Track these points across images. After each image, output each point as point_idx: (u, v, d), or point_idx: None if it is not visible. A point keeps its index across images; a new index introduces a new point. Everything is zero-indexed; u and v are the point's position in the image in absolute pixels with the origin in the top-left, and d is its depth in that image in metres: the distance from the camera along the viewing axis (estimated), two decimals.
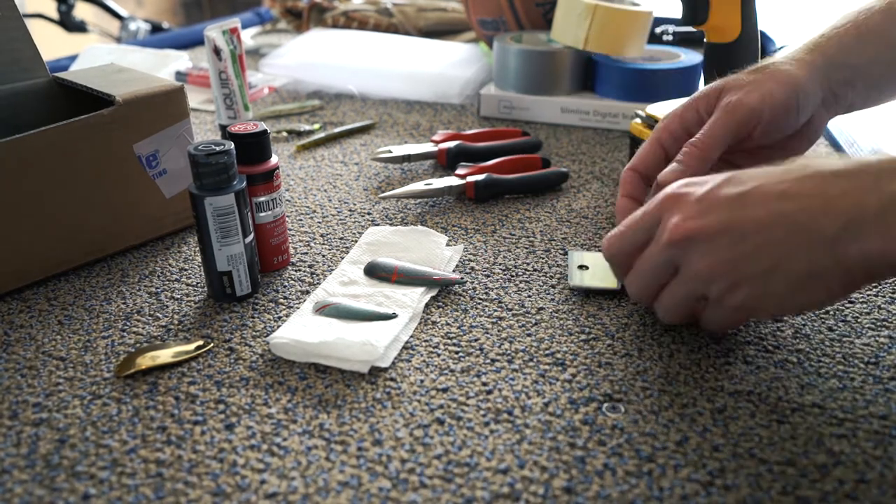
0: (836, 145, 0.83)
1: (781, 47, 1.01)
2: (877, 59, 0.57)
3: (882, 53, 0.57)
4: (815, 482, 0.40)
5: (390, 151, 0.79)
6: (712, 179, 0.44)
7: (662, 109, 0.74)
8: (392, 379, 0.49)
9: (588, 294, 0.57)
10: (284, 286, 0.59)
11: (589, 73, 0.95)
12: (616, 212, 0.57)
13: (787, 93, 0.53)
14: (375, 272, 0.58)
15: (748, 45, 0.73)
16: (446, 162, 0.80)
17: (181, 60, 1.13)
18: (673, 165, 0.53)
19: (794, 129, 0.55)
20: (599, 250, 0.59)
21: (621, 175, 0.58)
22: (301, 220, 0.70)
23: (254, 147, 0.57)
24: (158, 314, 0.56)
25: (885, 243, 0.38)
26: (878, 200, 0.38)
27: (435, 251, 0.61)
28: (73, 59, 1.16)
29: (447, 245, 0.64)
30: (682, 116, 0.56)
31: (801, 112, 0.54)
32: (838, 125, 0.87)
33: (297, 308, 0.56)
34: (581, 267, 0.59)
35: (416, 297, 0.56)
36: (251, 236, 0.56)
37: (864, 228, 0.38)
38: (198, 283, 0.60)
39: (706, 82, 0.75)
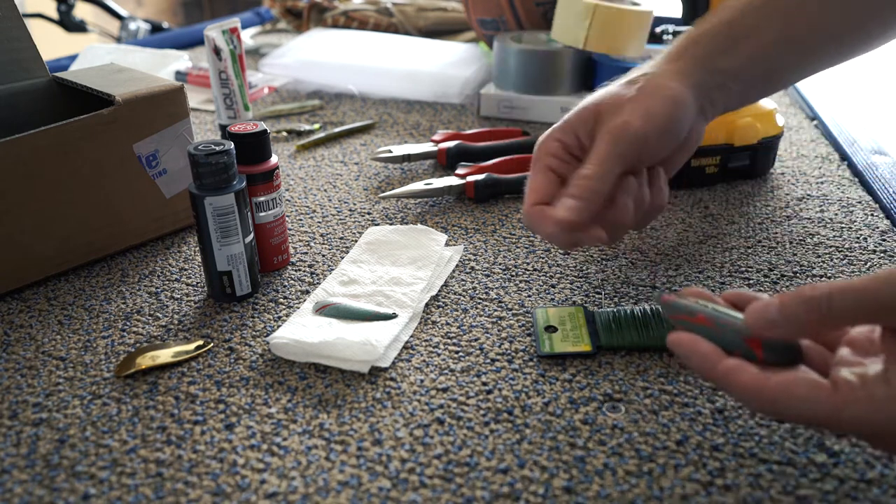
0: (836, 145, 0.83)
1: None
2: (750, 62, 0.54)
3: (755, 55, 0.54)
4: (815, 482, 0.40)
5: (390, 151, 0.79)
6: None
7: None
8: (392, 379, 0.49)
9: (559, 360, 0.50)
10: (284, 286, 0.59)
11: (589, 72, 0.95)
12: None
13: (669, 110, 0.51)
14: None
15: None
16: (446, 162, 0.80)
17: (181, 60, 1.12)
18: (570, 202, 0.49)
19: (678, 143, 0.53)
20: (564, 304, 0.56)
21: (526, 213, 0.52)
22: (301, 220, 0.70)
23: (254, 147, 0.57)
24: (158, 314, 0.56)
25: None
26: None
27: (434, 250, 0.61)
28: (72, 59, 1.16)
29: (447, 245, 0.64)
30: (562, 141, 0.53)
31: (682, 127, 0.52)
32: (838, 125, 0.87)
33: (297, 308, 0.56)
34: (548, 328, 0.52)
35: (415, 297, 0.56)
36: (251, 236, 0.56)
37: None
38: (198, 283, 0.60)
39: None
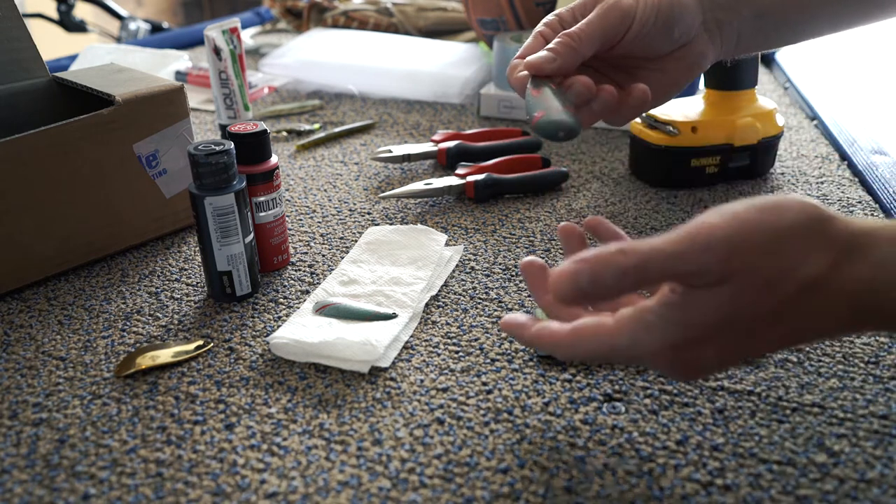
0: (836, 145, 0.83)
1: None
2: None
3: None
4: (815, 482, 0.40)
5: (390, 151, 0.79)
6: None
7: (663, 109, 0.74)
8: (392, 379, 0.49)
9: (558, 361, 0.50)
10: (284, 286, 0.59)
11: None
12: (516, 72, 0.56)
13: (663, 1, 0.53)
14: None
15: None
16: (446, 162, 0.80)
17: (181, 60, 1.13)
18: (543, 53, 0.53)
19: (670, 46, 0.54)
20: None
21: (510, 66, 0.56)
22: (301, 219, 0.70)
23: (254, 147, 0.57)
24: (158, 314, 0.56)
25: None
26: None
27: (434, 250, 0.61)
28: (72, 58, 1.16)
29: (447, 244, 0.64)
30: (561, 16, 0.57)
31: (676, 25, 0.53)
32: (838, 125, 0.87)
33: (297, 308, 0.56)
34: None
35: (415, 297, 0.56)
36: (251, 236, 0.56)
37: None
38: (198, 283, 0.60)
39: (706, 82, 0.75)
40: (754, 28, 0.56)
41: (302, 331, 0.51)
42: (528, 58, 0.53)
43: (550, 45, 0.53)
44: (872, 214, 0.68)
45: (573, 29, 0.54)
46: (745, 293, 0.36)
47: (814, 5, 0.57)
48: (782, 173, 0.77)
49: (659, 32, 0.53)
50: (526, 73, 0.53)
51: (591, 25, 0.53)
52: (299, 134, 0.91)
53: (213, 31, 0.83)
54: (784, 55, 1.15)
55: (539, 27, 0.57)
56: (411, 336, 0.53)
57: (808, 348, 0.50)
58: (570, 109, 0.48)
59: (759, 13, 0.55)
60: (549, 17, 0.58)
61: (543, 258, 0.62)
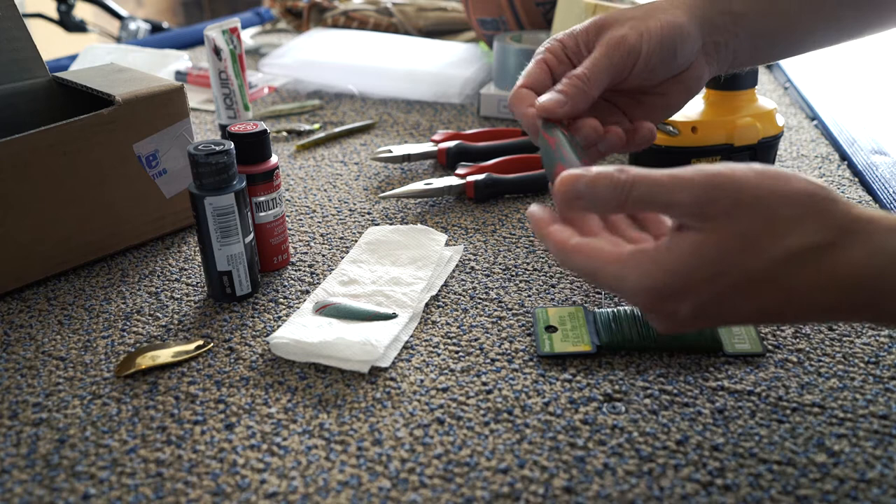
0: (836, 145, 0.83)
1: None
2: (761, 7, 0.55)
3: (768, 3, 0.55)
4: (815, 482, 0.40)
5: (390, 151, 0.79)
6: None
7: None
8: (392, 379, 0.49)
9: (559, 360, 0.50)
10: (284, 286, 0.59)
11: None
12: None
13: (666, 33, 0.53)
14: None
15: None
16: (446, 162, 0.80)
17: (181, 60, 1.13)
18: (554, 95, 0.52)
19: (672, 72, 0.55)
20: (564, 304, 0.56)
21: (513, 94, 0.55)
22: (301, 219, 0.70)
23: (254, 147, 0.57)
24: (158, 314, 0.56)
25: None
26: None
27: (434, 250, 0.61)
28: (72, 58, 1.16)
29: (447, 244, 0.64)
30: (563, 42, 0.56)
31: (678, 54, 0.53)
32: (838, 125, 0.87)
33: (297, 308, 0.56)
34: (549, 328, 0.52)
35: (416, 297, 0.56)
36: (251, 236, 0.56)
37: None
38: (198, 282, 0.60)
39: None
40: (750, 46, 0.56)
41: (302, 331, 0.51)
42: (540, 100, 0.52)
43: (560, 88, 0.52)
44: None
45: (581, 70, 0.53)
46: (726, 245, 0.36)
47: (805, 24, 0.57)
48: None
49: (662, 62, 0.53)
50: (534, 111, 0.52)
51: (598, 65, 0.52)
52: (299, 134, 0.91)
53: (213, 31, 0.83)
54: None
55: (541, 53, 0.56)
56: (411, 336, 0.53)
57: (807, 348, 0.50)
58: (585, 161, 0.48)
59: (755, 33, 0.55)
60: (551, 41, 0.56)
61: (543, 258, 0.62)
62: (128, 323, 0.55)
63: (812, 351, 0.50)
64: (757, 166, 0.38)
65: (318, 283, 0.59)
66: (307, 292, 0.58)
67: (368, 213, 0.71)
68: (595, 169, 0.39)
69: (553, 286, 0.58)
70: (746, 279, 0.37)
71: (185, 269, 0.62)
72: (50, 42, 1.56)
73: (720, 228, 0.36)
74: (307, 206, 0.73)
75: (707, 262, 0.37)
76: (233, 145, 0.54)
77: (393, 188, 0.75)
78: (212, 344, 0.52)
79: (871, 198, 0.71)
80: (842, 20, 0.57)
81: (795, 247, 0.36)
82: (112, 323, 0.55)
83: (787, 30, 0.56)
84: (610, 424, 0.44)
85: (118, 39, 2.00)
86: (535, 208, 0.44)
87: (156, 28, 1.97)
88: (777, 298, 0.37)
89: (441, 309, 0.56)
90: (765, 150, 0.74)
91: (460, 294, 0.58)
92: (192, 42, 1.36)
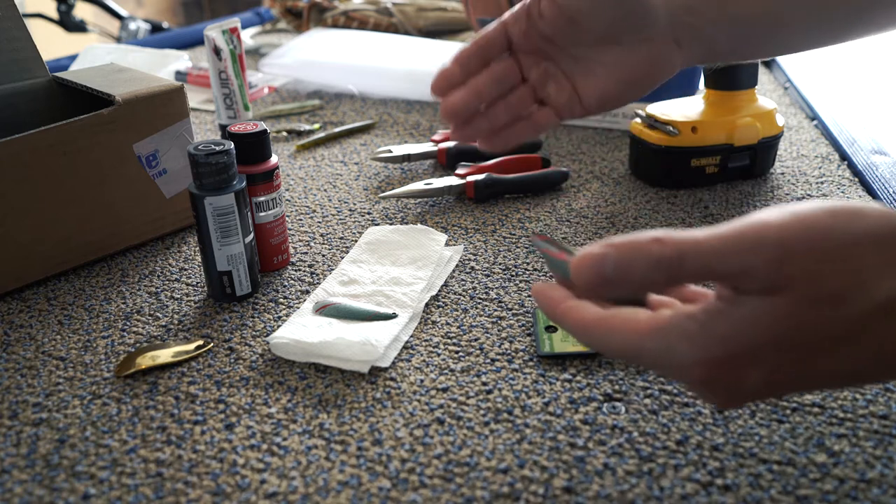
0: (836, 145, 0.83)
1: None
2: None
3: None
4: (815, 482, 0.40)
5: (390, 151, 0.79)
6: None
7: (662, 109, 0.74)
8: (392, 379, 0.49)
9: (559, 360, 0.50)
10: (284, 286, 0.59)
11: None
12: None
13: None
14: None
15: None
16: (446, 162, 0.80)
17: (181, 60, 1.13)
18: (447, 69, 0.51)
19: (623, 28, 0.50)
20: None
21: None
22: (301, 219, 0.70)
23: (254, 147, 0.57)
24: (158, 314, 0.56)
25: None
26: None
27: (434, 250, 0.61)
28: (72, 58, 1.16)
29: (447, 244, 0.64)
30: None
31: (624, 7, 0.49)
32: (838, 125, 0.87)
33: (297, 308, 0.56)
34: (549, 328, 0.52)
35: (416, 297, 0.56)
36: (251, 236, 0.56)
37: None
38: (198, 282, 0.60)
39: (706, 82, 0.75)
40: (731, 35, 0.53)
41: (302, 331, 0.51)
42: (446, 104, 0.51)
43: (456, 56, 0.51)
44: None
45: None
46: (805, 307, 0.31)
47: (787, 17, 0.53)
48: (782, 173, 0.77)
49: (611, 10, 0.49)
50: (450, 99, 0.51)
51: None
52: (299, 134, 0.91)
53: (213, 31, 0.83)
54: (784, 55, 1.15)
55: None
56: (411, 336, 0.53)
57: None
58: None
59: (734, 20, 0.52)
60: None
61: (543, 259, 0.62)
62: (128, 323, 0.55)
63: None
64: (820, 206, 0.32)
65: (318, 283, 0.59)
66: (307, 292, 0.58)
67: (368, 213, 0.71)
68: (618, 242, 0.32)
69: None
70: (827, 341, 0.32)
71: (185, 269, 0.62)
72: (50, 42, 1.55)
73: (794, 290, 0.31)
74: (307, 206, 0.73)
75: (781, 327, 0.31)
76: (233, 145, 0.54)
77: (393, 188, 0.75)
78: (212, 344, 0.52)
79: (871, 198, 0.71)
80: (833, 20, 0.54)
81: (884, 298, 0.31)
82: (112, 323, 0.55)
83: (770, 21, 0.53)
84: (610, 424, 0.44)
85: (118, 39, 2.00)
86: (540, 286, 0.38)
87: (156, 28, 1.97)
88: (862, 357, 0.32)
89: (441, 309, 0.56)
90: (765, 150, 0.74)
91: (460, 294, 0.58)
92: (192, 42, 1.36)
